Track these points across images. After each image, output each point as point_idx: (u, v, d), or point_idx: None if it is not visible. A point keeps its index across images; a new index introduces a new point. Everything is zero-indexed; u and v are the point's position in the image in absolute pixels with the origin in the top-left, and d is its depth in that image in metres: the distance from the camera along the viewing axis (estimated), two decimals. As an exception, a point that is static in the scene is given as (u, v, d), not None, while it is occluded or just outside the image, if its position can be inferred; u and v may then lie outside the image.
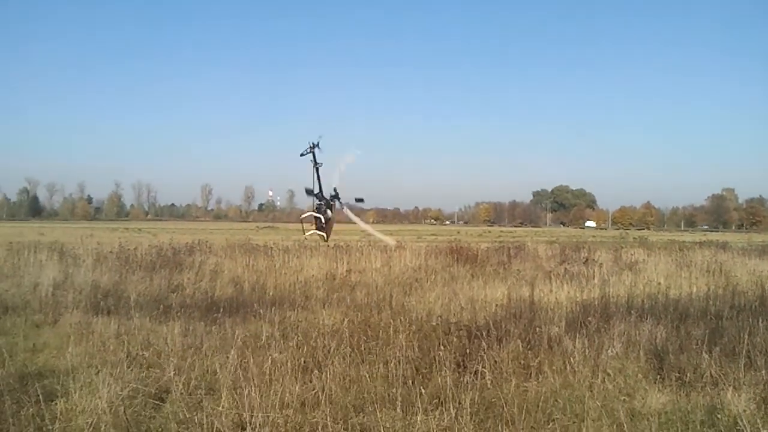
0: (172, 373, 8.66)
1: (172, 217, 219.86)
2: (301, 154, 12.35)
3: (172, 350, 9.92)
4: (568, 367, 9.43)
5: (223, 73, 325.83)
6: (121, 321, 12.51)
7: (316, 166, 10.74)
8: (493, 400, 7.96)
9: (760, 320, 11.66)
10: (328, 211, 11.91)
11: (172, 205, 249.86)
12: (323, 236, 12.65)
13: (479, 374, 9.00)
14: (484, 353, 9.55)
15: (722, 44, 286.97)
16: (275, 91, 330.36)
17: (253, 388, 7.65)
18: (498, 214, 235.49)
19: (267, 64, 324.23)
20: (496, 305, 14.24)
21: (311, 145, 12.79)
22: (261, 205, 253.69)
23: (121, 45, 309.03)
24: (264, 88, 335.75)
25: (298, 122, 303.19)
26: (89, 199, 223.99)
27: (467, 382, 8.47)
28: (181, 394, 7.95)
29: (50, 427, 6.59)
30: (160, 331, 11.69)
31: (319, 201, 10.66)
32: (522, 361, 9.69)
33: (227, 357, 9.01)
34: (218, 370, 8.71)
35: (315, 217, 12.07)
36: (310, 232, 13.22)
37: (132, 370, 8.62)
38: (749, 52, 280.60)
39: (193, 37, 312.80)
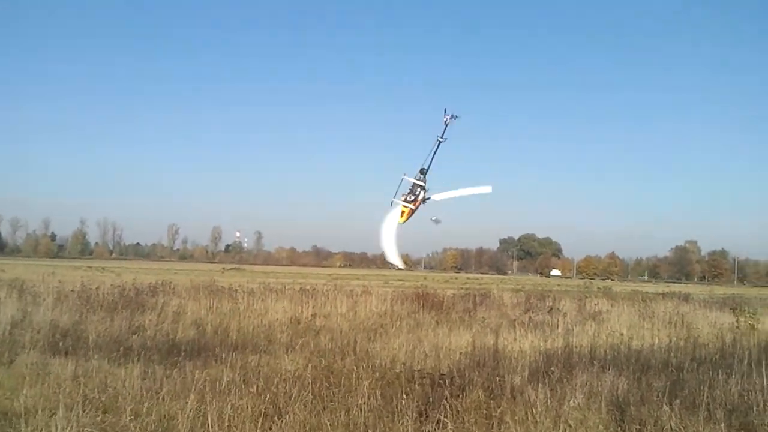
0: (129, 418, 8.49)
1: (137, 257, 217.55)
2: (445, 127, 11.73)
3: (129, 394, 9.73)
4: (530, 418, 9.41)
5: (193, 111, 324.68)
6: (78, 362, 12.26)
7: (441, 140, 10.34)
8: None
9: (720, 373, 11.81)
10: (421, 194, 11.57)
11: (138, 244, 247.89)
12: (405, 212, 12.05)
13: (441, 423, 8.95)
14: (447, 402, 9.51)
15: (686, 97, 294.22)
16: (245, 130, 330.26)
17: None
18: (465, 260, 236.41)
19: (237, 102, 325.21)
20: (460, 353, 14.25)
21: (451, 116, 12.39)
22: (228, 246, 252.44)
23: (88, 79, 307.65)
24: (234, 127, 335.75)
25: (268, 163, 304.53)
26: (53, 236, 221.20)
27: (429, 432, 8.41)
28: (138, 439, 7.80)
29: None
30: (118, 373, 11.47)
31: (422, 180, 10.15)
32: (484, 411, 9.63)
33: (186, 402, 8.86)
34: (176, 415, 8.56)
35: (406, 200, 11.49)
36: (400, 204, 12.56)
37: (87, 413, 8.43)
38: (712, 107, 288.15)
39: (162, 73, 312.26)
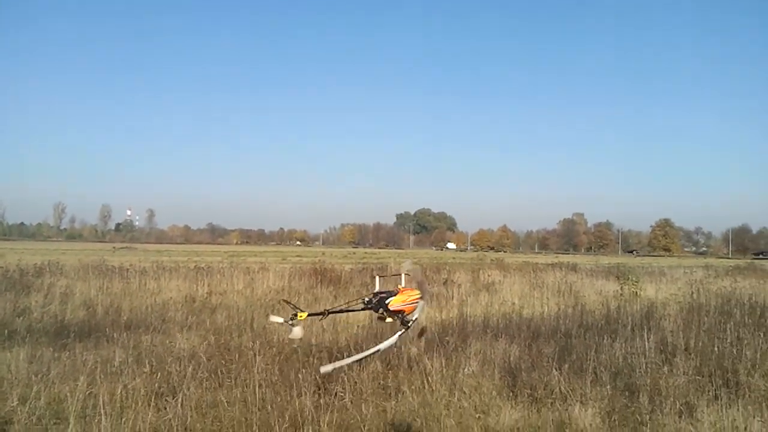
0: (16, 402, 8.17)
1: (21, 237, 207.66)
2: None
3: (16, 378, 9.35)
4: (426, 386, 9.61)
5: (78, 77, 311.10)
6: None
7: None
8: (351, 421, 7.99)
9: (606, 338, 12.36)
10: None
11: (22, 223, 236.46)
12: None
13: (338, 396, 9.02)
14: (345, 374, 9.58)
15: (569, 66, 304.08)
16: (137, 103, 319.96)
17: (103, 416, 7.34)
18: (362, 235, 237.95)
19: (120, 65, 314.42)
20: (358, 326, 14.33)
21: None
22: (119, 224, 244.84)
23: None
24: (125, 99, 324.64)
25: (160, 138, 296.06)
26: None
27: (326, 404, 8.46)
28: (26, 424, 7.51)
29: None
30: (3, 357, 10.98)
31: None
32: (381, 382, 9.78)
33: (76, 384, 8.59)
34: (66, 398, 8.29)
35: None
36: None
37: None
38: (600, 71, 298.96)
39: (45, 38, 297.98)
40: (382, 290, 5.86)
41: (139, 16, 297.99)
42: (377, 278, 6.03)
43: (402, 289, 5.78)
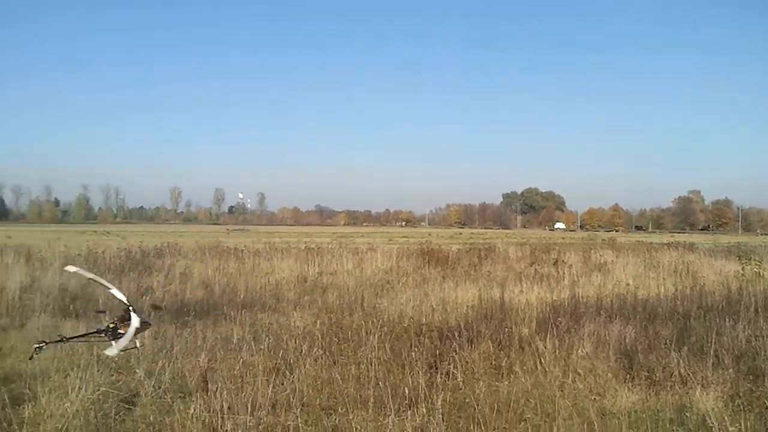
0: (143, 376, 8.58)
1: (140, 220, 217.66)
2: None
3: (142, 353, 9.81)
4: (539, 367, 9.50)
5: (192, 74, 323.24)
6: (89, 324, 12.33)
7: None
8: (465, 400, 7.98)
9: (727, 320, 11.86)
10: None
11: (141, 207, 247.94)
12: None
13: (451, 375, 9.04)
14: (456, 354, 9.59)
15: (690, 46, 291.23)
16: (246, 92, 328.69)
17: (223, 390, 7.60)
18: (468, 216, 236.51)
19: (236, 66, 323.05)
20: (467, 306, 14.30)
21: None
22: (231, 207, 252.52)
23: (90, 47, 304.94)
24: (235, 89, 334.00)
25: (269, 123, 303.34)
26: (56, 202, 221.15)
27: (439, 383, 8.48)
28: (152, 397, 7.87)
29: (18, 433, 6.48)
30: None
31: None
32: (493, 362, 9.73)
33: (198, 360, 8.94)
34: (188, 373, 8.65)
35: None
36: None
37: (102, 373, 8.50)
38: (717, 54, 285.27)
39: (164, 40, 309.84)
40: None
41: None
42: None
43: None
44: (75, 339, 5.99)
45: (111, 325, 5.71)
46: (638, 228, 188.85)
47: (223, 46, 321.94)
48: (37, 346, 5.75)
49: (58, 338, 5.96)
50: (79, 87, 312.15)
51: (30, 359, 5.97)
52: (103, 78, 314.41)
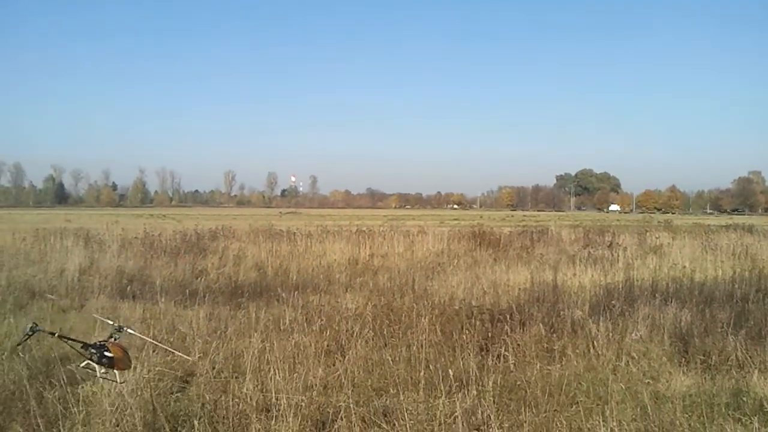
0: (198, 356, 8.75)
1: (195, 203, 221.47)
2: None
3: (197, 334, 10.00)
4: (591, 351, 9.41)
5: (244, 60, 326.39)
6: (146, 306, 12.64)
7: None
8: (516, 383, 7.95)
9: (787, 303, 11.58)
10: None
11: (196, 191, 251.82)
12: None
13: (502, 357, 9.01)
14: (507, 337, 9.56)
15: (746, 24, 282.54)
16: (296, 76, 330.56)
17: (277, 371, 7.71)
18: (521, 198, 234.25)
19: (287, 52, 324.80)
20: (519, 289, 14.21)
21: None
22: (284, 190, 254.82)
23: (146, 35, 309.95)
24: (289, 74, 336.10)
25: (320, 107, 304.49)
26: (114, 186, 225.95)
27: (490, 366, 8.47)
28: (206, 377, 8.03)
29: (74, 411, 6.65)
30: (185, 315, 11.79)
31: None
32: (545, 345, 9.67)
33: (251, 340, 9.07)
34: (243, 354, 8.78)
35: None
36: None
37: (158, 353, 8.69)
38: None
39: (215, 23, 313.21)
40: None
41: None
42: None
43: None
44: (65, 340, 6.16)
45: (98, 346, 5.87)
46: (709, 213, 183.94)
47: (275, 32, 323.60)
48: (27, 334, 5.95)
49: (50, 332, 6.16)
50: (136, 73, 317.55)
51: (18, 346, 6.18)
52: (159, 63, 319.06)
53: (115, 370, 6.10)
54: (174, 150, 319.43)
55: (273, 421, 6.65)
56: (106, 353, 5.83)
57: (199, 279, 16.71)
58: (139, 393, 7.00)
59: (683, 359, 9.18)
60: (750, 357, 8.78)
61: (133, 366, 7.31)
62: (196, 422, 6.56)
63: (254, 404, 6.89)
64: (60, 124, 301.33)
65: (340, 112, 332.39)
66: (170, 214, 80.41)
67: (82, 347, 5.95)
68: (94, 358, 5.85)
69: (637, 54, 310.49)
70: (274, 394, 7.14)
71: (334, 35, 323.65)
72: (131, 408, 6.65)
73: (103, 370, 6.07)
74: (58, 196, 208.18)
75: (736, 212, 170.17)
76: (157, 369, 7.97)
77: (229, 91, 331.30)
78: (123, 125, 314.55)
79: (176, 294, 13.69)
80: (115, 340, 6.25)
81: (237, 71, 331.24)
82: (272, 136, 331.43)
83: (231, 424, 6.52)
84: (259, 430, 6.40)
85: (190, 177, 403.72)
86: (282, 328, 10.40)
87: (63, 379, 7.33)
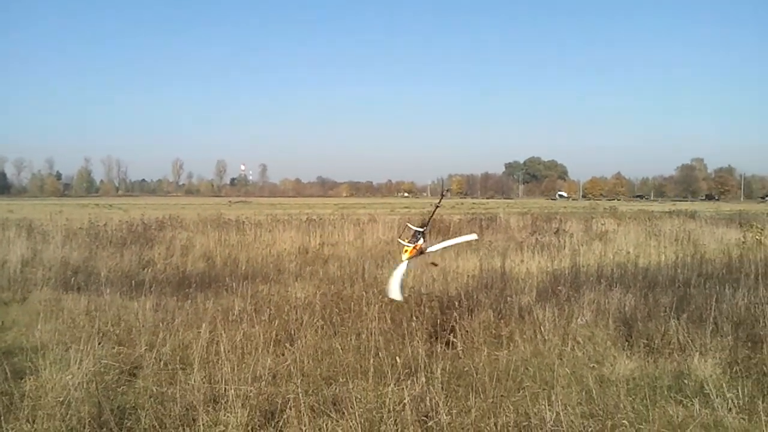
0: (144, 348, 8.64)
1: (143, 193, 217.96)
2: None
3: (143, 326, 9.87)
4: (538, 336, 9.56)
5: (193, 46, 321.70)
6: (91, 297, 12.41)
7: (438, 206, 10.87)
8: (464, 369, 8.04)
9: (727, 287, 11.89)
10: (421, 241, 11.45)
11: (143, 180, 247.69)
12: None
13: (451, 344, 9.09)
14: (456, 323, 9.63)
15: (690, 14, 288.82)
16: (246, 63, 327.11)
17: (225, 361, 7.66)
18: (470, 186, 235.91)
19: (236, 36, 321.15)
20: (468, 276, 14.32)
21: (447, 190, 12.80)
22: (233, 179, 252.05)
23: (89, 22, 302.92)
24: (234, 61, 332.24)
25: (268, 94, 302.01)
26: (58, 176, 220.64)
27: (439, 352, 8.54)
28: (154, 368, 7.94)
29: (19, 405, 6.51)
30: (131, 306, 11.61)
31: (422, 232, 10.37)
32: (493, 331, 9.77)
33: (199, 331, 8.98)
34: (190, 345, 8.70)
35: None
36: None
37: (103, 346, 8.57)
38: (719, 22, 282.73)
39: (167, 11, 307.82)
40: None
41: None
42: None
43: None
44: None
45: None
46: (638, 197, 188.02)
47: (223, 17, 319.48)
48: None
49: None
50: (80, 59, 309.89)
51: None
52: (104, 50, 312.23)
53: None
54: (120, 138, 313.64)
55: (221, 413, 6.62)
56: None
57: (145, 270, 16.49)
58: (84, 386, 6.89)
59: (627, 343, 9.37)
60: (691, 340, 9.00)
61: (78, 359, 7.21)
62: (142, 415, 6.49)
63: (202, 396, 6.82)
64: (1, 112, 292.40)
65: (291, 100, 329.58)
66: (116, 204, 79.07)
67: None
68: None
69: (581, 43, 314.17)
70: (222, 385, 7.09)
71: (284, 21, 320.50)
72: (77, 402, 6.54)
73: None
74: (1, 185, 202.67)
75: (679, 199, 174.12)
76: (103, 362, 7.85)
77: (175, 78, 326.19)
78: (67, 112, 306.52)
79: (122, 285, 13.45)
80: None
81: (183, 57, 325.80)
82: (221, 124, 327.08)
83: (178, 416, 6.46)
84: (206, 421, 6.36)
85: (137, 166, 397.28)
86: (230, 318, 10.30)
87: (7, 373, 7.18)
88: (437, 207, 10.09)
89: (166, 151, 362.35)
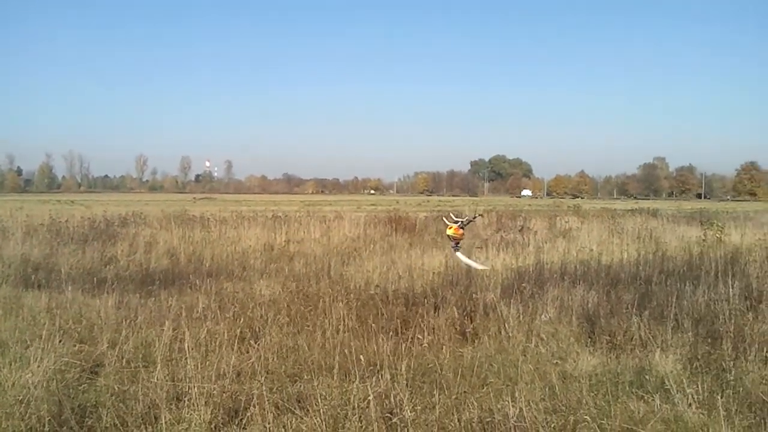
0: (106, 346, 8.53)
1: (105, 189, 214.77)
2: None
3: (105, 323, 9.75)
4: (502, 333, 9.62)
5: (158, 41, 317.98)
6: (52, 295, 12.19)
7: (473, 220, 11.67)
8: (429, 365, 8.06)
9: (688, 284, 12.07)
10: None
11: (106, 176, 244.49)
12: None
13: (416, 341, 9.11)
14: (422, 320, 9.66)
15: (652, 13, 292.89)
16: (210, 58, 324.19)
17: (188, 359, 7.59)
18: (436, 183, 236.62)
19: (202, 31, 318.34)
20: (434, 273, 14.36)
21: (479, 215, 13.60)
22: (198, 176, 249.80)
23: (50, 15, 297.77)
24: (201, 57, 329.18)
25: (236, 91, 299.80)
26: (19, 171, 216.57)
27: (404, 349, 8.55)
28: (116, 366, 7.84)
29: (-23, 404, 6.40)
30: (93, 304, 11.45)
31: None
32: (458, 328, 9.83)
33: (162, 329, 8.89)
34: (153, 343, 8.61)
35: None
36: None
37: (64, 344, 8.43)
38: (681, 21, 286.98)
39: (132, 3, 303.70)
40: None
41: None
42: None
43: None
44: None
45: None
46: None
47: (187, 11, 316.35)
48: None
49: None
50: (41, 54, 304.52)
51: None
52: (65, 44, 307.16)
53: None
54: (83, 133, 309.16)
55: (184, 410, 6.56)
56: None
57: (108, 266, 16.28)
58: (45, 385, 6.78)
59: (590, 339, 9.48)
60: (652, 336, 9.13)
61: (38, 357, 7.10)
62: (103, 413, 6.42)
63: (165, 394, 6.76)
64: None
65: (256, 96, 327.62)
66: (79, 200, 77.74)
67: None
68: None
69: (545, 44, 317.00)
70: (185, 383, 7.03)
71: (248, 15, 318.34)
72: (37, 400, 6.43)
73: None
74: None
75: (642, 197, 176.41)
76: (63, 360, 7.73)
77: (140, 72, 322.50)
78: (28, 107, 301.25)
79: (84, 282, 13.25)
80: None
81: (148, 50, 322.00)
82: (186, 120, 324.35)
83: (140, 414, 6.39)
84: (169, 419, 6.30)
85: (100, 161, 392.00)
86: (194, 315, 10.23)
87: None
88: (474, 218, 11.07)
89: (129, 146, 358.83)
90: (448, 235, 14.21)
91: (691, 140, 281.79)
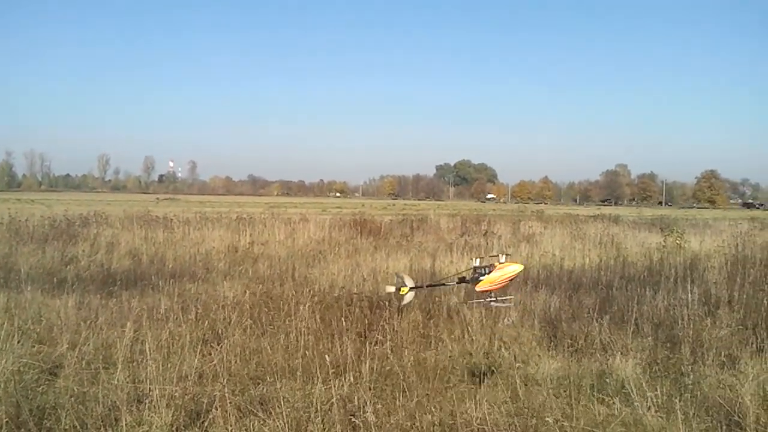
0: (66, 347, 8.42)
1: (67, 188, 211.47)
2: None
3: (65, 324, 9.61)
4: (466, 336, 9.68)
5: (121, 37, 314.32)
6: (10, 295, 11.97)
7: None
8: (392, 368, 8.07)
9: (648, 290, 12.26)
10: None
11: (67, 175, 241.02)
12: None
13: (380, 343, 9.12)
14: (386, 323, 9.67)
15: (617, 22, 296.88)
16: (175, 56, 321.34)
17: (150, 361, 7.52)
18: (402, 187, 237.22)
19: (166, 29, 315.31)
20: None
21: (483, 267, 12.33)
22: (161, 176, 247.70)
23: (11, 9, 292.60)
24: (163, 53, 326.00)
25: (199, 88, 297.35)
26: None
27: (368, 352, 8.55)
28: (75, 368, 7.73)
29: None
30: (53, 304, 11.27)
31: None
32: (422, 331, 9.87)
33: (124, 330, 8.80)
34: (114, 344, 8.51)
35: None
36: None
37: (23, 345, 8.30)
38: (645, 28, 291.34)
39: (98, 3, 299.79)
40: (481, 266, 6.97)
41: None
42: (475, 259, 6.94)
43: (498, 266, 6.70)
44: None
45: None
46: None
47: (152, 10, 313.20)
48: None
49: (420, 286, 6.37)
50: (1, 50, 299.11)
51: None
52: (25, 41, 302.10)
53: None
54: (44, 131, 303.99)
55: (145, 413, 6.50)
56: None
57: (68, 267, 16.03)
58: (2, 386, 6.68)
59: (552, 343, 9.59)
60: (613, 340, 9.27)
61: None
62: (63, 415, 6.33)
63: (125, 395, 6.69)
64: None
65: (221, 96, 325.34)
66: (39, 199, 76.46)
67: None
68: None
69: (511, 49, 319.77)
70: (146, 385, 6.96)
71: (213, 14, 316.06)
72: (-5, 402, 6.33)
73: None
74: None
75: (603, 203, 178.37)
76: (22, 361, 7.61)
77: (102, 69, 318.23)
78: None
79: (44, 282, 13.03)
80: None
81: (110, 47, 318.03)
82: (149, 119, 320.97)
83: (100, 416, 6.31)
84: (129, 421, 6.24)
85: (62, 160, 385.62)
86: (156, 317, 10.11)
87: None
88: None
89: (91, 145, 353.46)
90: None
91: (652, 148, 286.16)
